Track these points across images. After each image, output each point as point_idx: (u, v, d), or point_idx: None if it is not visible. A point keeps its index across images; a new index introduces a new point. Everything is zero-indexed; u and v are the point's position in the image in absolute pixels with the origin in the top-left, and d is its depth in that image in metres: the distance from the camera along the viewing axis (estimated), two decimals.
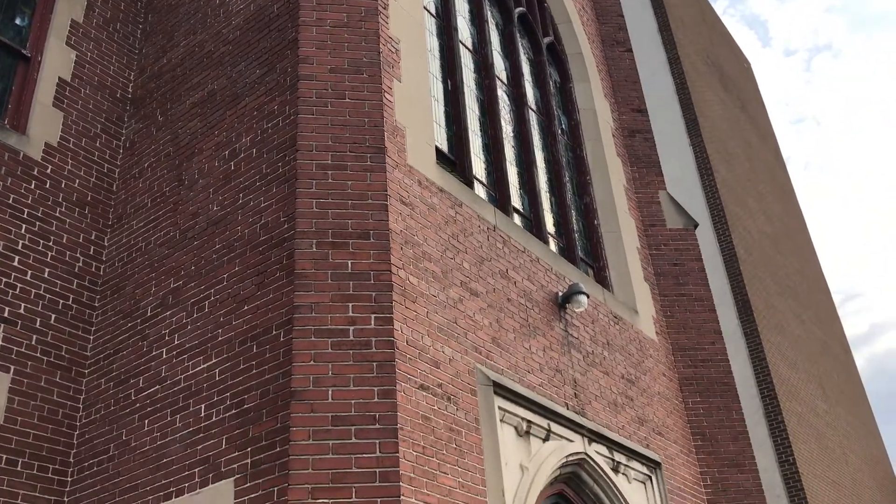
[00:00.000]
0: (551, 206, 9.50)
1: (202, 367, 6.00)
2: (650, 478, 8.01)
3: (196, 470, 5.61)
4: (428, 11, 8.74)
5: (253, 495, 5.20)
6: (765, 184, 22.11)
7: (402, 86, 7.12)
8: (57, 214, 7.14)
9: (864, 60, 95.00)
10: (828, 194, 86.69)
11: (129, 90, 8.39)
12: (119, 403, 6.40)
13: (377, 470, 5.17)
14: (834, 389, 19.55)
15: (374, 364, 5.53)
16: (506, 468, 6.17)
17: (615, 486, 7.39)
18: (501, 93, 9.53)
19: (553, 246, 8.96)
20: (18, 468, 6.07)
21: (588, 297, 8.05)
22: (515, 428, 6.61)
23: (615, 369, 8.36)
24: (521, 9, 10.63)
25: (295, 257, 5.82)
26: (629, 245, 9.91)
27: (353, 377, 5.46)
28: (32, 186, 7.04)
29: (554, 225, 9.32)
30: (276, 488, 5.10)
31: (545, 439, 6.87)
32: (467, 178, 7.95)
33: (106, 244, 7.43)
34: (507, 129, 9.29)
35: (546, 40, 10.97)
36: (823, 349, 20.41)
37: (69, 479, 6.36)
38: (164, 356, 6.30)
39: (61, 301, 6.86)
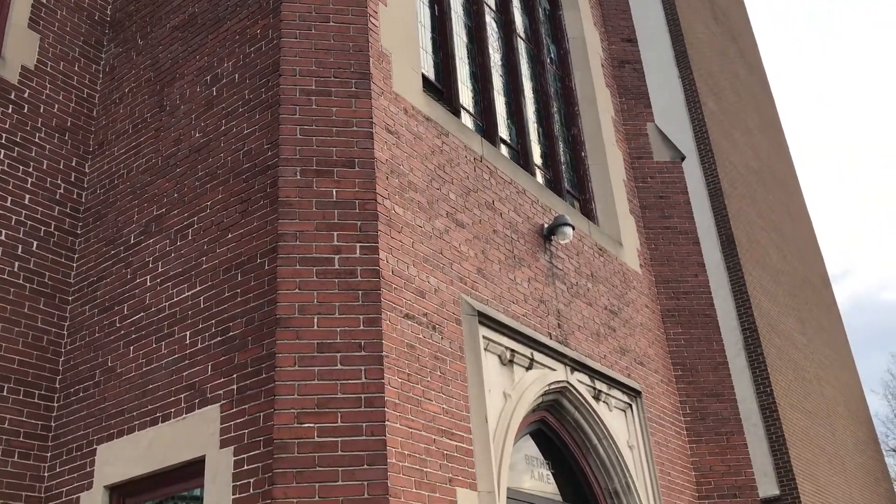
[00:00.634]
0: (539, 137, 9.42)
1: (186, 294, 5.99)
2: (630, 406, 8.16)
3: (182, 396, 5.66)
4: None
5: (239, 420, 5.26)
6: (752, 117, 22.01)
7: (387, 10, 6.95)
8: (36, 140, 7.01)
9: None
10: (823, 168, 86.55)
11: (108, 13, 8.15)
12: (104, 330, 6.40)
13: (363, 396, 5.22)
14: (813, 323, 19.87)
15: (360, 293, 5.54)
16: (489, 395, 6.26)
17: (596, 413, 7.52)
18: (489, 19, 9.34)
19: (540, 178, 8.92)
20: (4, 393, 6.10)
21: (573, 229, 8.06)
22: (499, 357, 6.68)
23: (598, 300, 8.43)
24: None
25: (279, 185, 5.76)
26: (615, 177, 9.88)
27: (339, 305, 5.47)
28: (10, 111, 6.89)
29: (541, 156, 9.26)
30: (262, 413, 5.15)
31: (528, 368, 6.96)
32: (454, 107, 7.84)
33: (87, 171, 7.33)
34: (495, 58, 9.14)
35: None
36: (804, 283, 20.67)
37: (55, 404, 6.40)
38: (149, 283, 6.29)
39: (43, 228, 6.79)
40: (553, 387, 7.19)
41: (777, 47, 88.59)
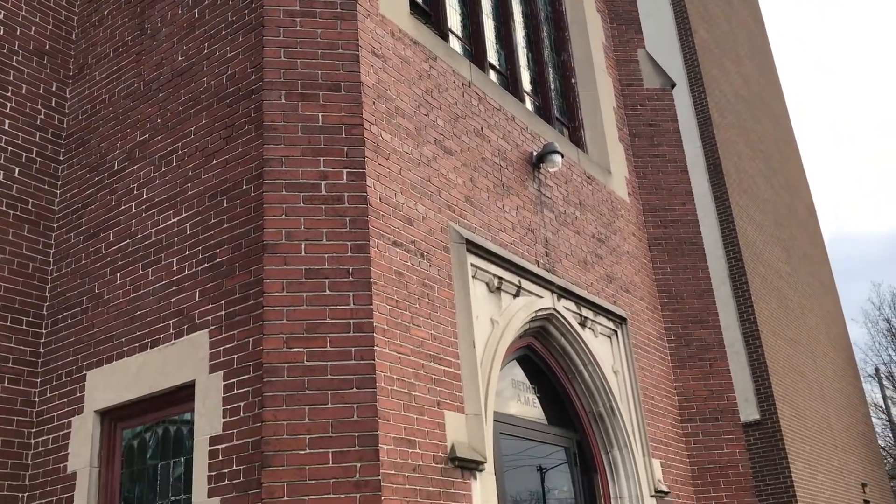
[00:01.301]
0: (528, 62, 9.27)
1: (172, 221, 5.94)
2: (616, 332, 8.26)
3: (170, 322, 5.67)
4: None
5: (228, 346, 5.28)
6: (743, 46, 21.74)
7: None
8: (14, 63, 6.84)
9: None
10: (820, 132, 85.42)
11: None
12: (90, 257, 6.36)
13: (351, 321, 5.25)
14: (798, 252, 20.04)
15: (347, 219, 5.51)
16: (477, 321, 6.31)
17: (582, 339, 7.61)
18: None
19: (529, 104, 8.81)
20: None
21: (562, 156, 8.01)
22: (487, 284, 6.71)
23: (586, 228, 8.44)
24: None
25: (263, 109, 5.66)
26: (605, 105, 9.78)
27: (326, 231, 5.45)
28: None
29: (530, 83, 9.14)
30: (250, 339, 5.18)
31: (515, 295, 7.00)
32: (442, 31, 7.68)
33: (68, 96, 7.17)
34: None
35: None
36: (790, 213, 20.76)
37: (43, 331, 6.41)
38: (133, 210, 6.23)
39: (24, 154, 6.68)
40: (540, 314, 7.25)
41: (777, 12, 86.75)
